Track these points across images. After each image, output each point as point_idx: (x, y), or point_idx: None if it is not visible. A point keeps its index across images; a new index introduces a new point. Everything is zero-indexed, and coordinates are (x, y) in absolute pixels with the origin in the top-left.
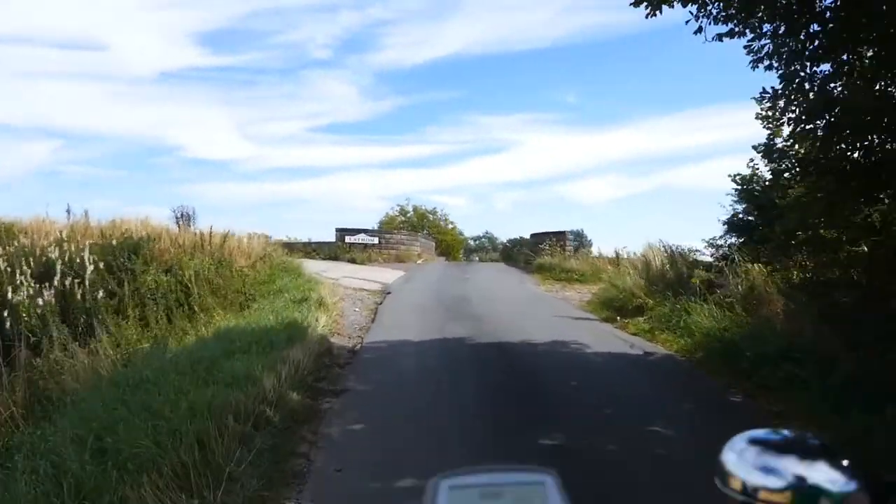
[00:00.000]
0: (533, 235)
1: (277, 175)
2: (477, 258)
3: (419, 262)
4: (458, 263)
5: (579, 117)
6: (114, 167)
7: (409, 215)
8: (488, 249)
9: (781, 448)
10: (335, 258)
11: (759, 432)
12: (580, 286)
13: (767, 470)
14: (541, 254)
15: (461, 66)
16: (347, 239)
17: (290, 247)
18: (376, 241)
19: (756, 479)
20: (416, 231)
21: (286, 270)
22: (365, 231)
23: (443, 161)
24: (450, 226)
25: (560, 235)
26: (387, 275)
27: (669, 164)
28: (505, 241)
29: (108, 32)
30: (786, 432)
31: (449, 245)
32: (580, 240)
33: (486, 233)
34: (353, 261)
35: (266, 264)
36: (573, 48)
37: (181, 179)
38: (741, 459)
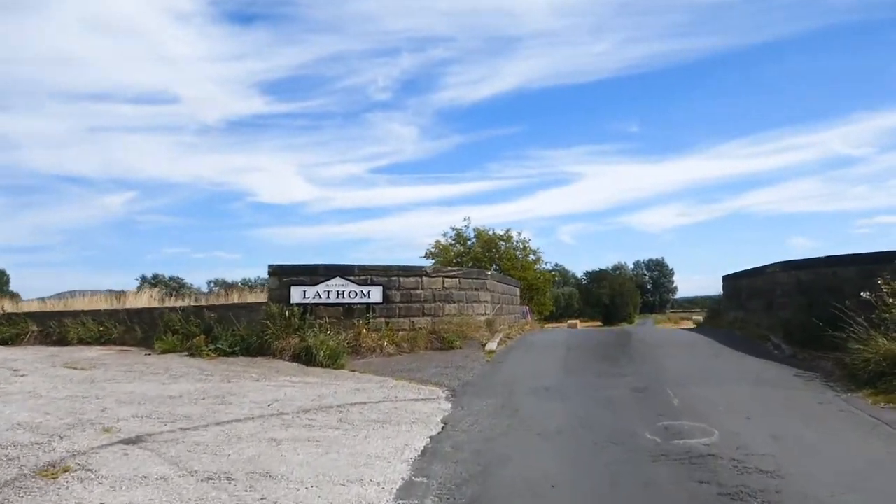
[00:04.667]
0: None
1: (341, 216)
2: (647, 321)
3: (493, 344)
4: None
5: (642, 147)
6: (185, 215)
7: (469, 243)
8: (559, 283)
9: None
10: (254, 350)
11: None
12: None
13: None
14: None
15: (521, 102)
16: (296, 295)
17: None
18: (379, 296)
19: None
20: (482, 267)
21: None
22: (352, 271)
23: (505, 196)
24: (530, 256)
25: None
26: None
27: (738, 190)
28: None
29: (178, 85)
30: None
31: (530, 288)
32: None
33: (557, 266)
34: (305, 358)
35: None
36: (634, 78)
37: (250, 224)
38: None
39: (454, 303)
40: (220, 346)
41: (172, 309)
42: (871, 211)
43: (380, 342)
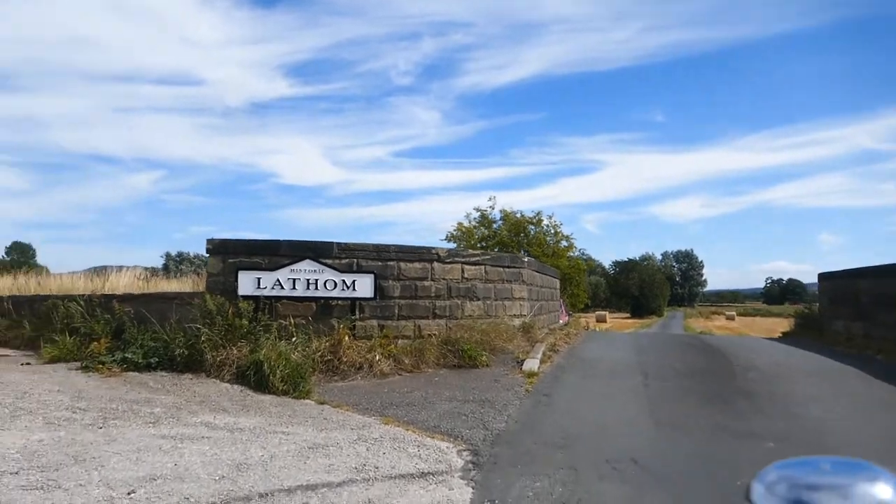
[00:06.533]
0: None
1: (364, 199)
2: (677, 314)
3: (533, 361)
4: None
5: (666, 136)
6: (211, 195)
7: (495, 226)
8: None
9: (822, 479)
10: (181, 364)
11: (797, 461)
12: None
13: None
14: None
15: (543, 88)
16: (247, 284)
17: None
18: (368, 287)
19: None
20: (508, 250)
21: None
22: (330, 251)
23: (527, 183)
24: (562, 242)
25: None
26: None
27: (764, 183)
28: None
29: (203, 68)
30: (832, 460)
31: (563, 278)
32: None
33: (583, 253)
34: (255, 379)
35: None
36: (658, 66)
37: (276, 205)
38: (770, 493)
39: (478, 299)
40: (129, 355)
41: (71, 298)
42: None
43: (369, 355)
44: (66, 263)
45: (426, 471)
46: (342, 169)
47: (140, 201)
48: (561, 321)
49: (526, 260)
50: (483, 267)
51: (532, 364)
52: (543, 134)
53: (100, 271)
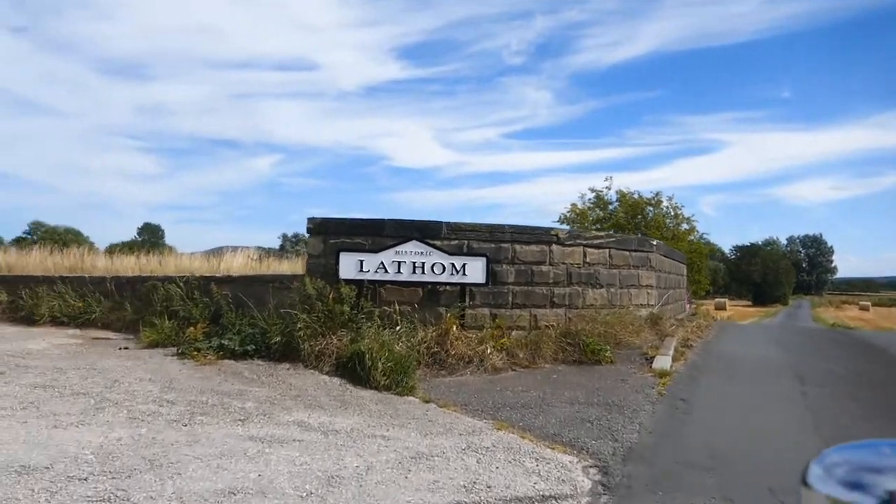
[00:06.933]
0: None
1: (475, 181)
2: (803, 303)
3: (665, 358)
4: None
5: (794, 113)
6: (325, 178)
7: (611, 208)
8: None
9: (883, 461)
10: (278, 352)
11: (858, 444)
12: None
13: (855, 486)
14: None
15: (661, 65)
16: (348, 266)
17: None
18: (480, 272)
19: (841, 495)
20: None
21: None
22: (438, 231)
23: (642, 164)
24: (683, 225)
25: None
26: None
27: None
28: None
29: (317, 52)
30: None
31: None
32: None
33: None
34: (355, 371)
35: None
36: (782, 39)
37: (387, 188)
38: (828, 475)
39: (601, 287)
40: (225, 342)
41: (170, 280)
42: None
43: (479, 348)
44: (191, 243)
45: (547, 493)
46: (452, 151)
47: (260, 184)
48: (686, 310)
49: (655, 243)
50: (607, 250)
51: (664, 362)
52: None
53: (216, 252)
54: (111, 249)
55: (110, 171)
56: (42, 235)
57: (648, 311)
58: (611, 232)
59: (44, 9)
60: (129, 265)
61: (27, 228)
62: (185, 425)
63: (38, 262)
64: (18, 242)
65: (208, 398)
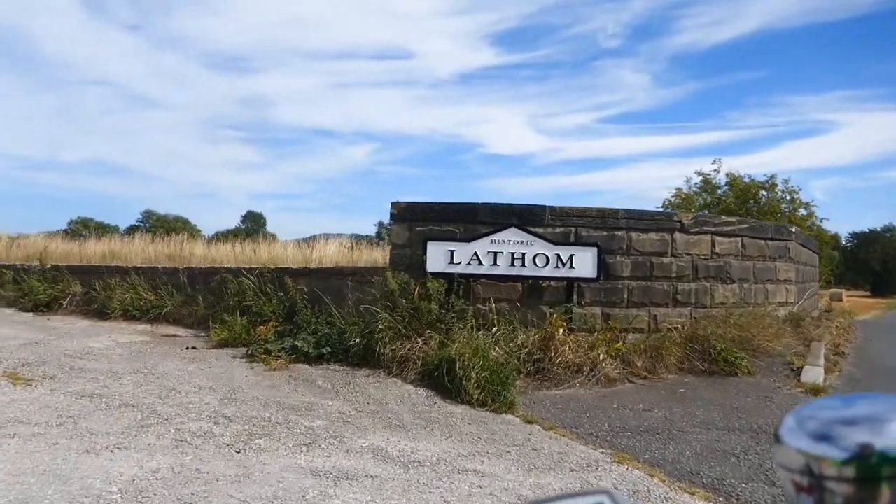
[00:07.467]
0: None
1: (570, 167)
2: None
3: (815, 369)
4: None
5: None
6: (420, 166)
7: (719, 192)
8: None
9: (858, 413)
10: (357, 356)
11: (840, 397)
12: None
13: (826, 438)
14: None
15: (766, 43)
16: (437, 258)
17: None
18: (590, 265)
19: (811, 448)
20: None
21: None
22: (541, 217)
23: (746, 147)
24: (800, 210)
25: None
26: None
27: None
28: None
29: (413, 41)
30: (878, 396)
31: None
32: None
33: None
34: (444, 382)
35: None
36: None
37: (480, 175)
38: (800, 427)
39: (732, 282)
40: (299, 343)
41: (240, 272)
42: None
43: (590, 355)
44: (291, 231)
45: None
46: (546, 137)
47: (356, 172)
48: (818, 306)
49: (794, 230)
50: (739, 239)
51: (815, 374)
52: (765, 94)
53: (310, 241)
54: (216, 237)
55: (216, 162)
56: (154, 224)
57: (787, 309)
58: (744, 219)
59: (155, 7)
60: (224, 253)
61: (139, 217)
62: (238, 451)
63: (140, 249)
64: (132, 231)
65: (272, 414)
